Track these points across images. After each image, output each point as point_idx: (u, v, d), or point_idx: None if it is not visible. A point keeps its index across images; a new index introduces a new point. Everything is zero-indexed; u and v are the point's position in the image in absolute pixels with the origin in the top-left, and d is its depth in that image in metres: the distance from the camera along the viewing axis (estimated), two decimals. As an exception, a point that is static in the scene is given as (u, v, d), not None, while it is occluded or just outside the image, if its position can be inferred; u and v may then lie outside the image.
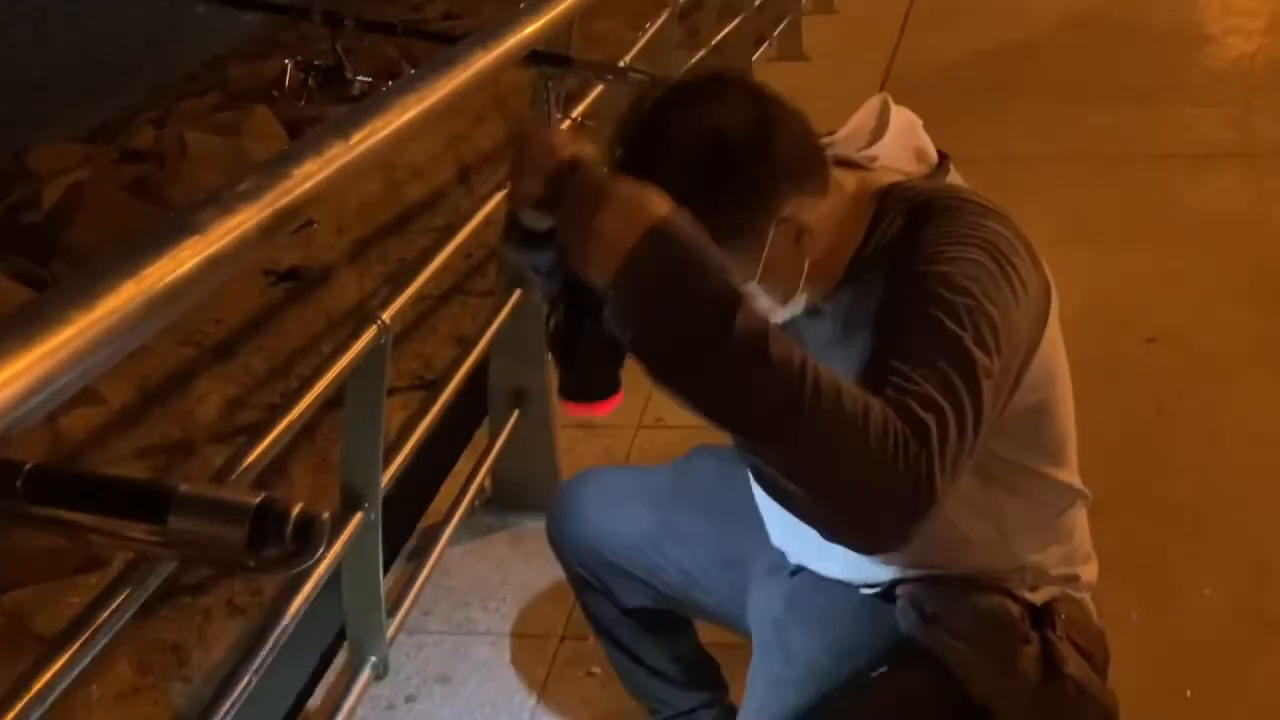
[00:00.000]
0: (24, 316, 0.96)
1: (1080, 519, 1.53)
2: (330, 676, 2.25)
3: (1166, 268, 3.60)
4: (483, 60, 1.91)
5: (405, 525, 2.63)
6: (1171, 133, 4.75)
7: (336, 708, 1.83)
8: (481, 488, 2.59)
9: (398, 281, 1.95)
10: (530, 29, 2.14)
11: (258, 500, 0.76)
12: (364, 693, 1.89)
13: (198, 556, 0.79)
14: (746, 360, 1.08)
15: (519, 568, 2.55)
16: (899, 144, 1.42)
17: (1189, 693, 2.10)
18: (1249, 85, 5.28)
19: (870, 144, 1.42)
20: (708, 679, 1.88)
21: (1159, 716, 2.02)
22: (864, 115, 1.45)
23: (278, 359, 4.42)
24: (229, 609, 3.12)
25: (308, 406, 1.56)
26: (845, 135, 1.44)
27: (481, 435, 2.78)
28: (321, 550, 0.75)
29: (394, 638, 1.98)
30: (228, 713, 1.47)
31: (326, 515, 0.77)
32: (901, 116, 1.44)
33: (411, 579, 2.15)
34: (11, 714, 1.13)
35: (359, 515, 1.78)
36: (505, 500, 2.72)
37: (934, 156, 1.45)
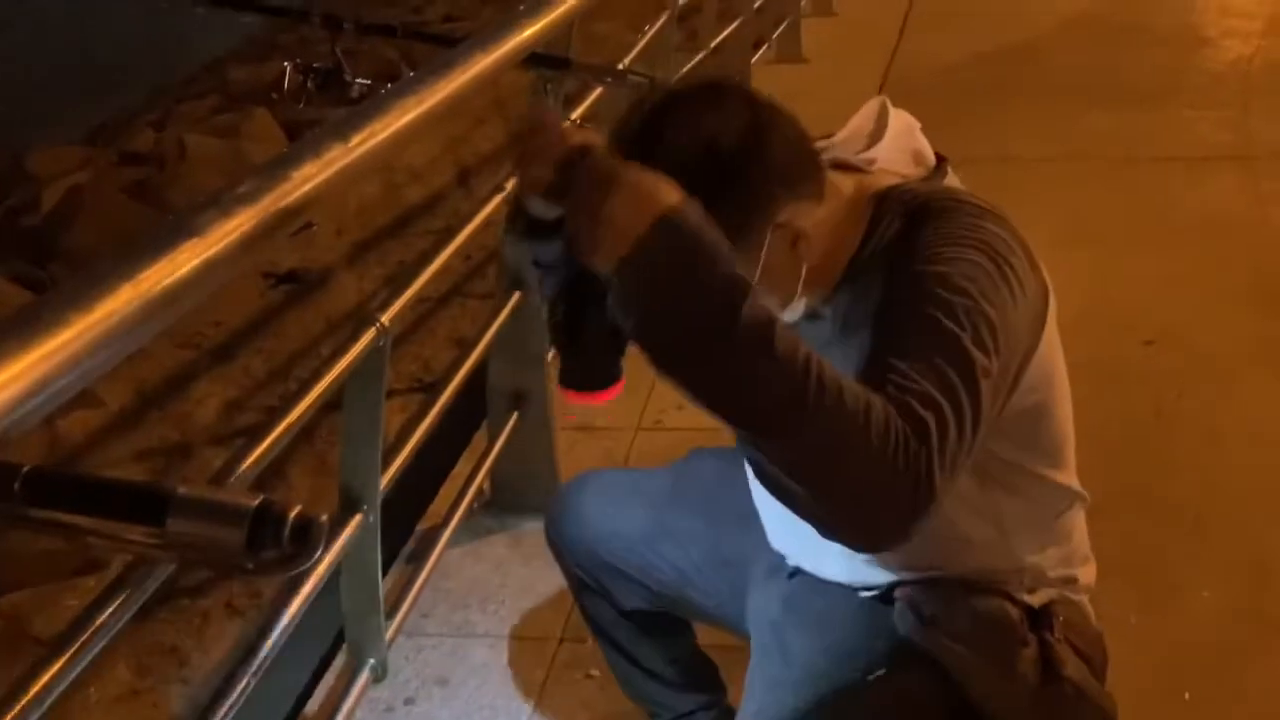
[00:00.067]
0: (22, 319, 0.96)
1: (1079, 521, 1.53)
2: (329, 679, 2.25)
3: (1165, 269, 3.61)
4: (482, 63, 1.91)
5: (404, 527, 2.63)
6: (1170, 135, 4.76)
7: (335, 710, 1.83)
8: (480, 490, 2.59)
9: (397, 284, 1.95)
10: (529, 31, 2.14)
11: (256, 503, 0.76)
12: (362, 695, 1.89)
13: (196, 559, 0.79)
14: (751, 353, 1.08)
15: (518, 570, 2.55)
16: (897, 147, 1.43)
17: (1188, 695, 2.10)
18: (1247, 88, 5.28)
19: (868, 147, 1.42)
20: (706, 681, 1.89)
21: (1158, 719, 2.02)
22: (862, 118, 1.45)
23: (277, 361, 4.42)
24: (227, 611, 3.12)
25: (306, 409, 1.56)
26: (843, 138, 1.44)
27: (480, 437, 2.78)
28: (320, 552, 0.75)
29: (393, 640, 1.98)
30: (226, 715, 1.47)
31: (324, 518, 0.77)
32: (899, 119, 1.45)
33: (410, 581, 2.15)
34: (10, 716, 1.13)
35: (358, 517, 1.78)
36: (504, 502, 2.72)
37: (932, 159, 1.45)
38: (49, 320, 0.96)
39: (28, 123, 6.92)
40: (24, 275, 5.18)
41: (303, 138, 1.49)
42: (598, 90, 2.72)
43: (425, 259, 2.10)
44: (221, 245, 1.15)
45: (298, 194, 1.30)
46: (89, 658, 1.23)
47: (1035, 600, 1.46)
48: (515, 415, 2.61)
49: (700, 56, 4.55)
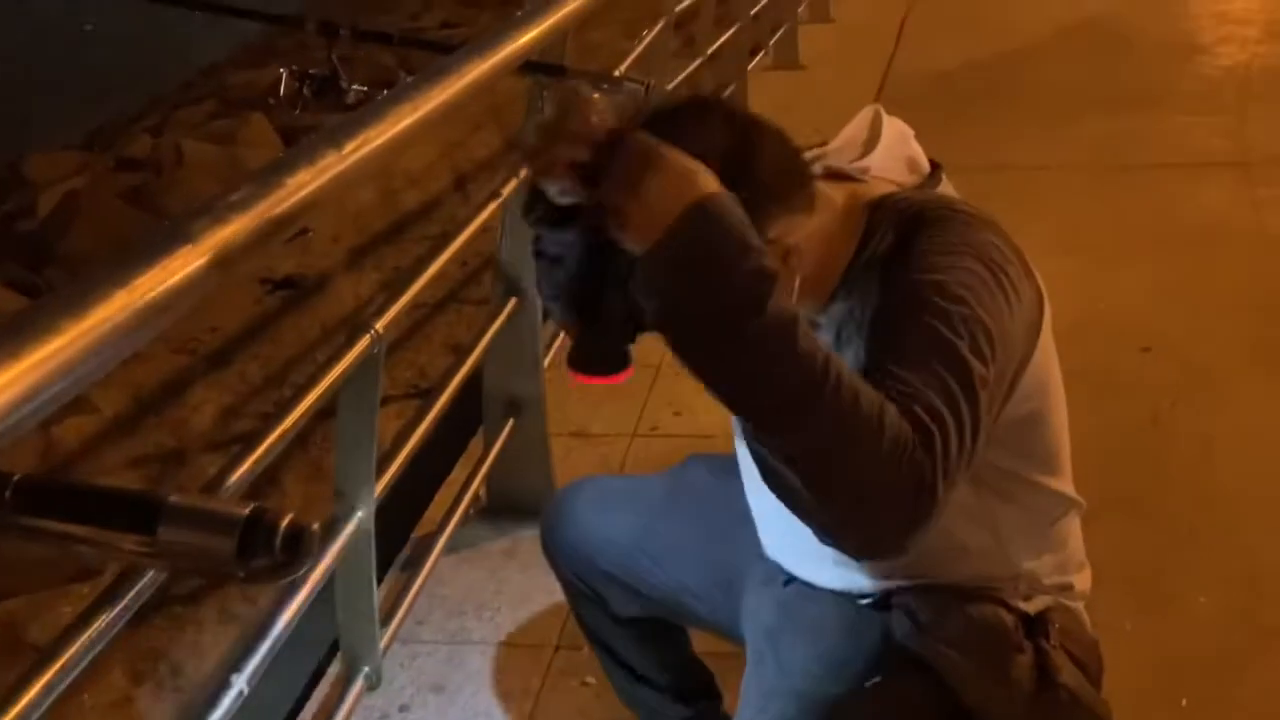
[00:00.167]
0: (14, 326, 0.96)
1: (1074, 528, 1.53)
2: (323, 686, 2.25)
3: (1161, 277, 3.61)
4: (477, 70, 1.91)
5: (399, 534, 2.63)
6: (1166, 142, 4.76)
7: (330, 717, 1.83)
8: (476, 497, 2.58)
9: (392, 290, 1.94)
10: (525, 39, 2.14)
11: (247, 511, 0.76)
12: (357, 703, 1.88)
13: (187, 567, 0.79)
14: (773, 347, 1.08)
15: (513, 577, 2.54)
16: (891, 155, 1.43)
17: (1184, 702, 2.10)
18: (1243, 94, 5.29)
19: (862, 155, 1.42)
20: (702, 688, 1.88)
21: (1154, 726, 2.02)
22: (856, 127, 1.45)
23: (273, 367, 4.42)
24: (222, 618, 3.11)
25: (300, 416, 1.56)
26: (837, 147, 1.44)
27: (476, 444, 2.78)
28: (312, 560, 0.75)
29: (388, 647, 1.97)
30: (220, 723, 1.46)
31: (316, 526, 0.77)
32: (893, 127, 1.45)
33: (405, 588, 2.15)
34: (3, 723, 1.13)
35: (352, 524, 1.77)
36: (500, 509, 2.72)
37: (926, 166, 1.45)
38: (42, 327, 0.96)
39: (25, 127, 6.92)
40: (19, 280, 5.18)
41: (297, 145, 1.49)
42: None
43: (421, 265, 2.10)
44: (215, 252, 1.15)
45: (292, 201, 1.30)
46: (83, 664, 1.22)
47: (1031, 607, 1.46)
48: (511, 422, 2.61)
49: (697, 63, 4.55)
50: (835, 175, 1.40)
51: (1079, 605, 1.53)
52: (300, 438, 1.70)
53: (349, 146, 1.46)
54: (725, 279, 1.09)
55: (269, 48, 8.12)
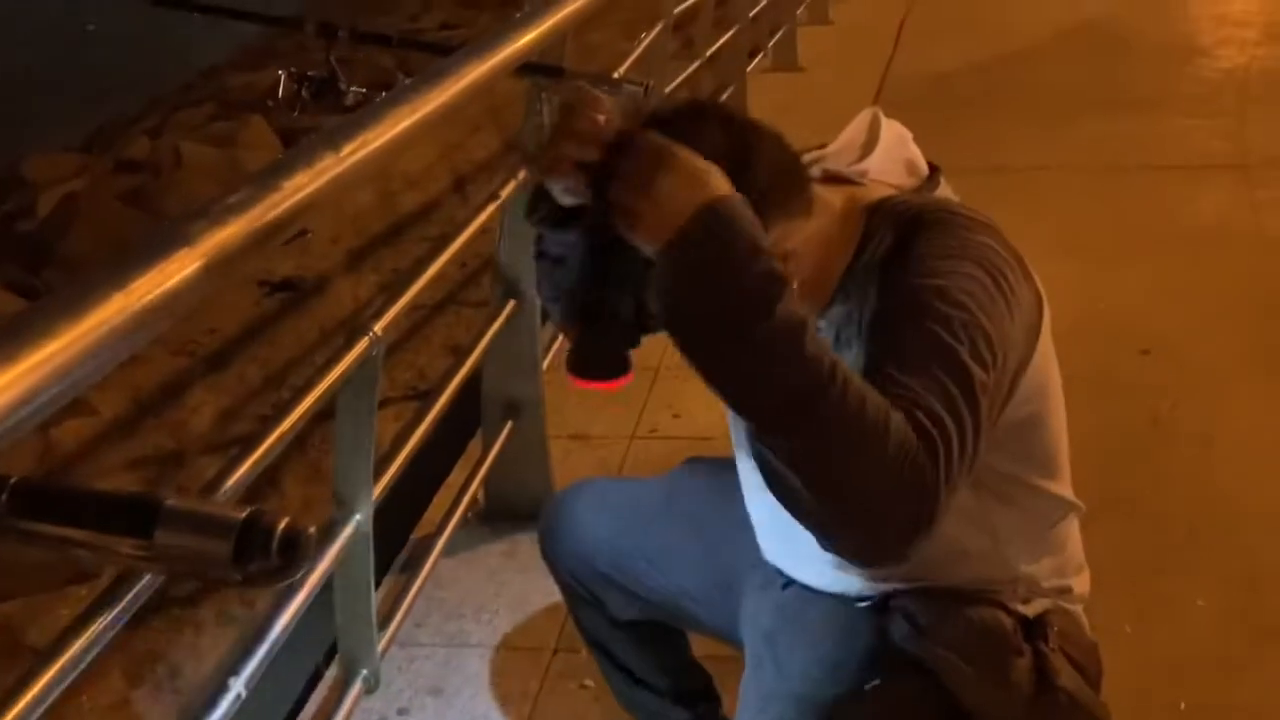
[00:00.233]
0: (11, 329, 0.95)
1: (1073, 531, 1.53)
2: (322, 689, 2.24)
3: (1161, 279, 3.61)
4: (475, 72, 1.90)
5: (398, 536, 2.62)
6: (1165, 144, 4.77)
7: (328, 720, 1.82)
8: (474, 499, 2.58)
9: (391, 292, 1.94)
10: (523, 41, 2.14)
11: (244, 515, 0.75)
12: (355, 705, 1.88)
13: (184, 570, 0.79)
14: (781, 349, 1.08)
15: (512, 580, 2.54)
16: (890, 157, 1.43)
17: (1183, 705, 2.09)
18: (1242, 96, 5.30)
19: (861, 158, 1.42)
20: (700, 691, 1.88)
21: (1153, 729, 2.02)
22: (854, 129, 1.45)
23: (272, 369, 4.42)
24: (221, 620, 3.11)
25: (299, 418, 1.55)
26: (836, 150, 1.44)
27: (475, 446, 2.77)
28: (310, 563, 0.75)
29: (385, 650, 1.97)
30: (218, 726, 1.46)
31: (313, 530, 0.77)
32: (892, 130, 1.45)
33: (404, 591, 2.14)
34: (1, 726, 1.13)
35: (350, 526, 1.77)
36: (498, 512, 2.72)
37: (925, 169, 1.45)
38: (39, 330, 0.96)
39: (24, 129, 6.92)
40: (18, 282, 5.18)
41: (295, 147, 1.48)
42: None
43: (420, 267, 2.09)
44: (213, 255, 1.14)
45: (289, 203, 1.30)
46: (81, 667, 1.22)
47: (1030, 610, 1.46)
48: (510, 424, 2.60)
49: (696, 65, 4.55)
50: (834, 178, 1.40)
51: (1078, 608, 1.53)
52: (299, 440, 1.70)
53: (347, 149, 1.46)
54: (736, 280, 1.10)
55: (268, 50, 8.12)
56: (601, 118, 1.18)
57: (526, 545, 2.50)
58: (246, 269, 1.26)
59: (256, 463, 1.48)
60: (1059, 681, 1.42)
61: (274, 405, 3.91)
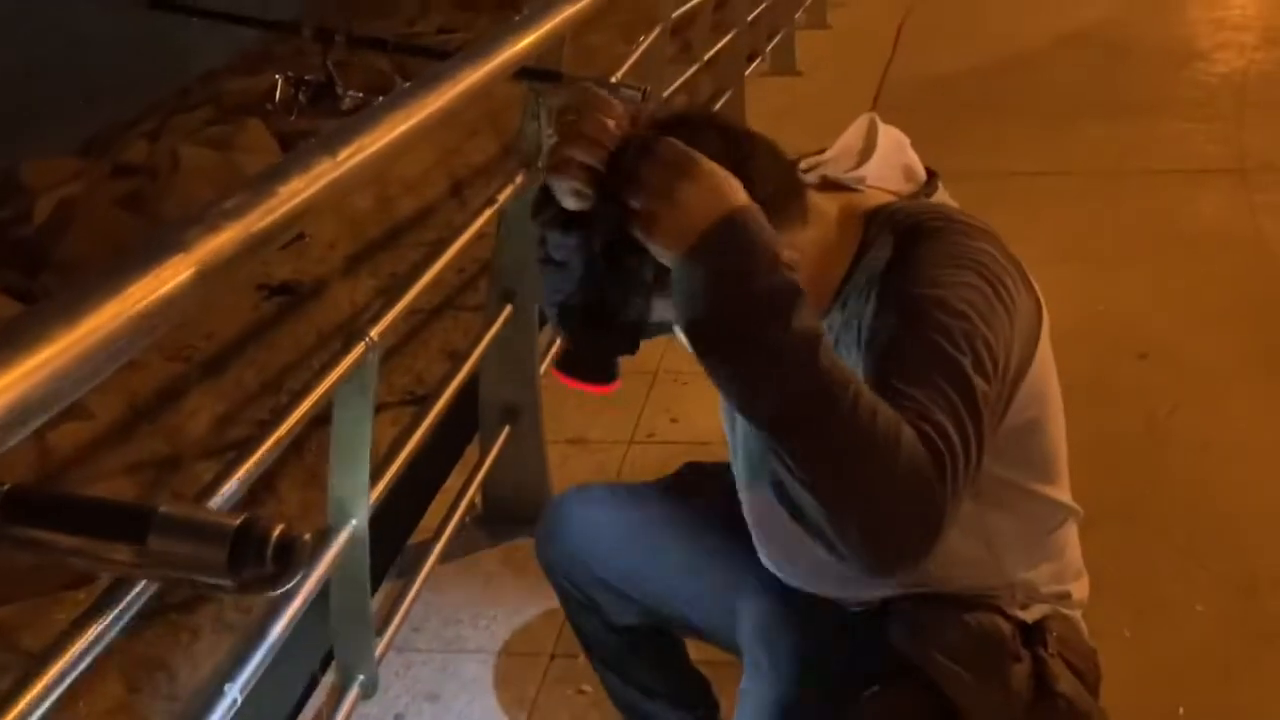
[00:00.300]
0: (6, 335, 0.95)
1: (1071, 536, 1.53)
2: (319, 695, 2.24)
3: (1159, 283, 3.61)
4: (472, 77, 1.90)
5: (395, 542, 2.62)
6: (1163, 148, 4.77)
7: (324, 726, 1.82)
8: (472, 504, 2.57)
9: (388, 297, 1.94)
10: (520, 45, 2.13)
11: (238, 522, 0.75)
12: (352, 711, 1.87)
13: (179, 578, 0.78)
14: (796, 360, 1.09)
15: (509, 585, 2.53)
16: (887, 164, 1.42)
17: (1181, 710, 2.09)
18: (1240, 101, 5.30)
19: (858, 164, 1.42)
20: (698, 697, 1.87)
21: (1151, 734, 2.01)
22: (852, 135, 1.45)
23: (269, 374, 4.41)
24: (218, 626, 3.10)
25: (294, 424, 1.55)
26: (833, 156, 1.44)
27: (472, 451, 2.77)
28: (306, 569, 0.74)
29: (382, 655, 1.96)
30: (214, 732, 1.46)
31: (307, 536, 0.77)
32: (889, 136, 1.45)
33: (401, 596, 2.14)
34: (-4, 732, 1.12)
35: (347, 531, 1.76)
36: (496, 517, 2.71)
37: (922, 174, 1.45)
38: (33, 336, 0.96)
39: (22, 133, 6.91)
40: (15, 286, 5.17)
41: (291, 152, 1.48)
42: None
43: (417, 271, 2.09)
44: (208, 260, 1.14)
45: (285, 209, 1.30)
46: (78, 672, 1.21)
47: (1029, 616, 1.46)
48: (507, 429, 2.60)
49: (694, 69, 4.55)
50: (831, 185, 1.39)
51: (1077, 614, 1.52)
52: (296, 444, 1.70)
53: (343, 154, 1.46)
54: (755, 289, 1.11)
55: (266, 54, 8.12)
56: (611, 122, 1.18)
57: (524, 550, 2.49)
58: (242, 275, 1.26)
59: (253, 468, 1.47)
60: (1058, 687, 1.42)
61: (271, 410, 3.91)
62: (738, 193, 1.15)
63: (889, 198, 1.39)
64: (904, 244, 1.30)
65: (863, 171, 1.41)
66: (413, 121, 1.65)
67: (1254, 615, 2.31)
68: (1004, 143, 4.84)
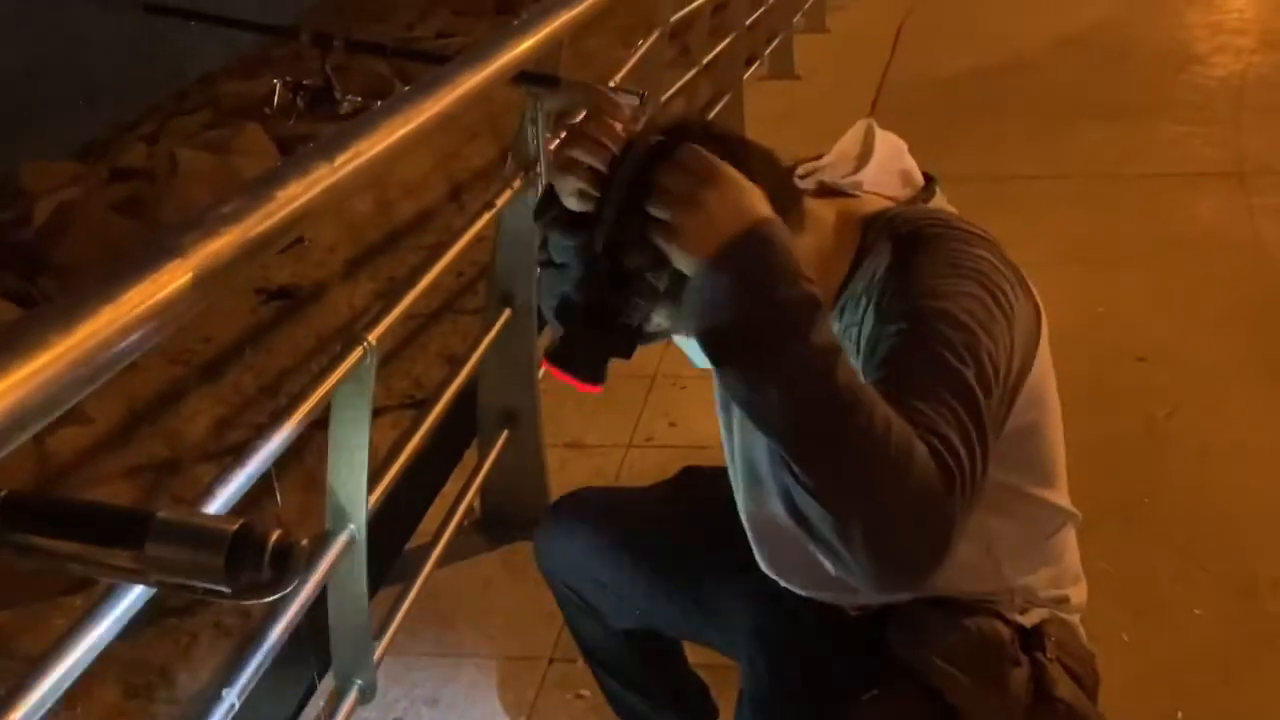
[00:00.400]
0: (3, 341, 0.95)
1: (1070, 540, 1.53)
2: (317, 700, 2.24)
3: (1157, 286, 3.61)
4: (470, 81, 1.90)
5: (393, 546, 2.62)
6: (1161, 151, 4.78)
7: (323, 731, 1.82)
8: (470, 508, 2.57)
9: (387, 300, 1.94)
10: (518, 50, 2.13)
11: (235, 527, 0.75)
12: (350, 716, 1.87)
13: (176, 583, 0.78)
14: (814, 372, 1.09)
15: (508, 589, 2.53)
16: (885, 169, 1.42)
17: (1180, 713, 2.09)
18: (1237, 104, 5.31)
19: (856, 170, 1.42)
20: (697, 701, 1.87)
21: (1151, 738, 2.01)
22: (849, 141, 1.45)
23: (268, 378, 4.41)
24: (216, 631, 3.10)
25: (293, 427, 1.55)
26: (830, 161, 1.44)
27: (470, 455, 2.77)
28: (300, 576, 0.74)
29: (381, 660, 1.96)
30: (213, 736, 1.46)
31: (305, 542, 0.77)
32: (886, 141, 1.44)
33: (399, 600, 2.14)
34: (-6, 736, 1.12)
35: (345, 536, 1.76)
36: (494, 521, 2.71)
37: (920, 179, 1.44)
38: (31, 342, 0.96)
39: (20, 137, 6.91)
40: (13, 290, 5.17)
41: (288, 157, 1.48)
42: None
43: (415, 275, 2.09)
44: (204, 266, 1.14)
45: (283, 214, 1.30)
46: (76, 676, 1.21)
47: (1027, 620, 1.45)
48: (506, 433, 2.60)
49: (692, 73, 4.54)
50: (828, 191, 1.39)
51: (1075, 618, 1.52)
52: (295, 448, 1.69)
53: (340, 159, 1.46)
54: (777, 301, 1.11)
55: (264, 58, 8.12)
56: (619, 125, 1.18)
57: (522, 554, 2.49)
58: (239, 280, 1.26)
59: (252, 471, 1.47)
60: (1056, 691, 1.42)
61: (270, 414, 3.90)
62: (762, 203, 1.15)
63: (886, 203, 1.39)
64: (902, 251, 1.29)
65: (860, 177, 1.41)
66: (411, 126, 1.65)
67: (1253, 617, 2.31)
68: (1003, 146, 4.84)
